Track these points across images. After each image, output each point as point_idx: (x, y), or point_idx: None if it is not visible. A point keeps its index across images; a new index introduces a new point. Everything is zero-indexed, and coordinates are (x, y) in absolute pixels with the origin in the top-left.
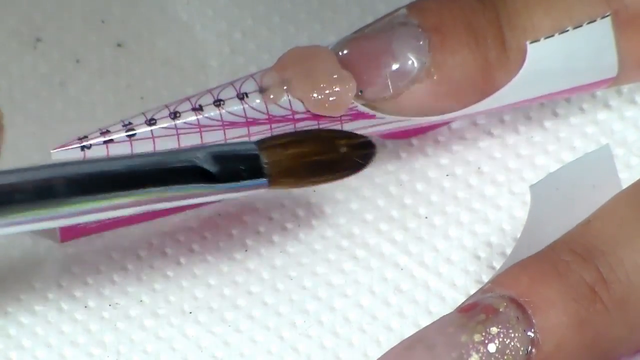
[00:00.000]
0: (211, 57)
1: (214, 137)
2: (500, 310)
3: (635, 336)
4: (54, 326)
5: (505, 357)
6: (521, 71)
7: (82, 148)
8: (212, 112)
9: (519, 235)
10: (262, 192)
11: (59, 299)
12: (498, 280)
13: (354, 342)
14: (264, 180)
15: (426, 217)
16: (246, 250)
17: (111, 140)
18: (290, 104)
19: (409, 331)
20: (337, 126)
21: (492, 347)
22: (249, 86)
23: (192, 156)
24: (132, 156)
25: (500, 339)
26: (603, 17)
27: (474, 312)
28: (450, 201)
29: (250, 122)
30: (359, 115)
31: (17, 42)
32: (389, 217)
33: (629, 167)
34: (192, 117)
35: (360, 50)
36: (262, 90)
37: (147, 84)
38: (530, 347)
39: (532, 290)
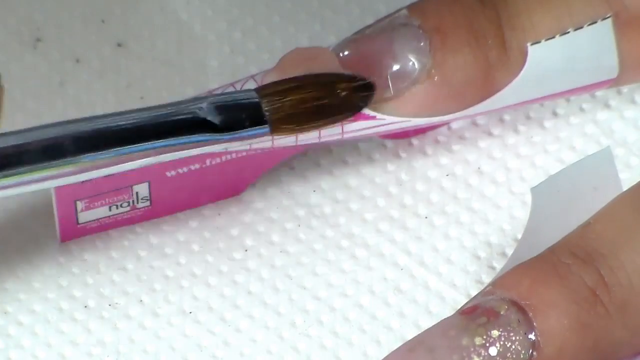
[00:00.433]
0: (211, 57)
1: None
2: (502, 313)
3: (636, 339)
4: (54, 326)
5: None
6: (522, 72)
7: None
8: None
9: (519, 236)
10: (262, 192)
11: (58, 299)
12: (499, 282)
13: (354, 342)
14: (265, 127)
15: (426, 217)
16: (246, 250)
17: None
18: None
19: (409, 331)
20: (337, 127)
21: (493, 350)
22: (250, 87)
23: (194, 107)
24: (135, 110)
25: (502, 342)
26: (604, 19)
27: (475, 315)
28: (450, 201)
29: None
30: (360, 116)
31: (17, 42)
32: (389, 217)
33: (629, 168)
34: None
35: (361, 52)
36: None
37: (147, 84)
38: (531, 350)
39: (533, 293)
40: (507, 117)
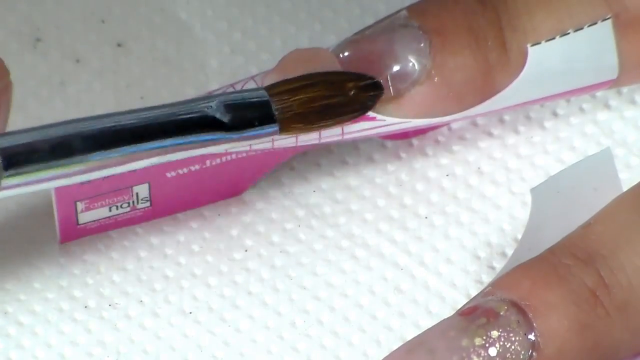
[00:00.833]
0: (211, 57)
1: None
2: (501, 313)
3: (636, 340)
4: (54, 326)
5: None
6: (522, 73)
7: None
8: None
9: (519, 236)
10: (262, 192)
11: (59, 299)
12: (499, 283)
13: (354, 342)
14: (275, 127)
15: (426, 217)
16: (246, 251)
17: None
18: None
19: (409, 331)
20: (337, 128)
21: (492, 351)
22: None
23: (203, 106)
24: (144, 109)
25: (501, 343)
26: (604, 20)
27: (475, 316)
28: (450, 201)
29: None
30: (360, 117)
31: (17, 42)
32: (389, 217)
33: (629, 168)
34: None
35: (361, 52)
36: None
37: (147, 84)
38: (531, 351)
39: (533, 294)
40: (507, 117)
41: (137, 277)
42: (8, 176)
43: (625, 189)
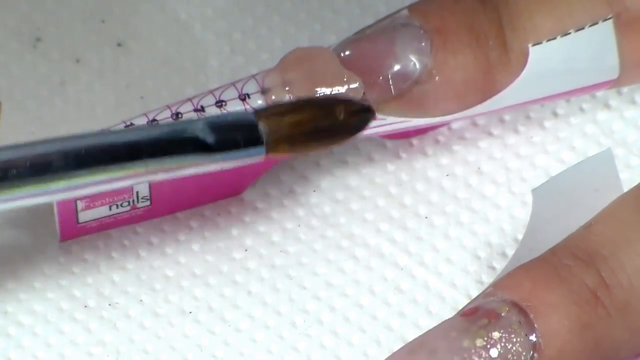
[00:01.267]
0: (211, 57)
1: None
2: (503, 314)
3: (637, 339)
4: (54, 326)
5: None
6: (523, 73)
7: None
8: (213, 113)
9: (519, 236)
10: (262, 191)
11: (58, 299)
12: (500, 284)
13: (354, 342)
14: (261, 149)
15: (426, 217)
16: (246, 250)
17: None
18: None
19: (409, 331)
20: None
21: (494, 352)
22: (251, 87)
23: (188, 127)
24: (128, 130)
25: (503, 344)
26: (605, 20)
27: (476, 317)
28: (450, 201)
29: None
30: None
31: (17, 42)
32: (389, 217)
33: (629, 168)
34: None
35: (362, 52)
36: (264, 92)
37: (147, 84)
38: (532, 352)
39: (534, 295)
40: (507, 117)
41: (137, 277)
42: None
43: (625, 189)
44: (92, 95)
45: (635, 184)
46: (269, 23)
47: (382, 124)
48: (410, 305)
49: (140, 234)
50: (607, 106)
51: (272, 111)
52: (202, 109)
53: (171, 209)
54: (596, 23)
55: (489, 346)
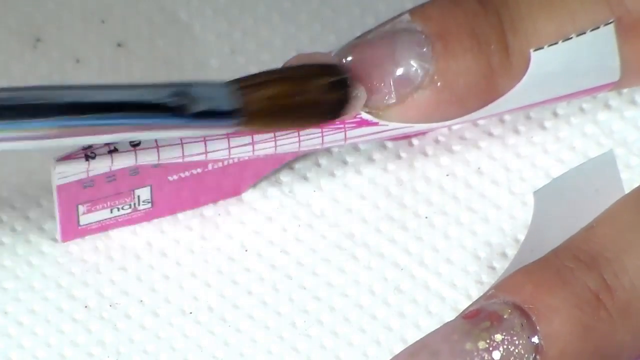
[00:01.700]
0: (211, 57)
1: (218, 146)
2: (505, 317)
3: (639, 342)
4: (54, 326)
5: None
6: (524, 77)
7: (87, 158)
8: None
9: (519, 236)
10: (262, 192)
11: (59, 299)
12: (502, 286)
13: (354, 342)
14: (235, 118)
15: (426, 217)
16: (246, 251)
17: (115, 150)
18: None
19: (409, 331)
20: (340, 134)
21: (496, 355)
22: None
23: (166, 90)
24: (106, 86)
25: (505, 346)
26: (606, 24)
27: (479, 319)
28: (450, 201)
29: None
30: (362, 123)
31: (17, 42)
32: (389, 217)
33: (629, 167)
34: None
35: (364, 58)
36: None
37: None
38: (534, 354)
39: (537, 297)
40: (507, 117)
41: (137, 277)
42: None
43: (626, 189)
44: None
45: (636, 184)
46: (269, 23)
47: (384, 129)
48: (410, 305)
49: (140, 234)
50: (607, 106)
51: (249, 82)
52: None
53: (172, 210)
54: (598, 27)
55: (491, 349)
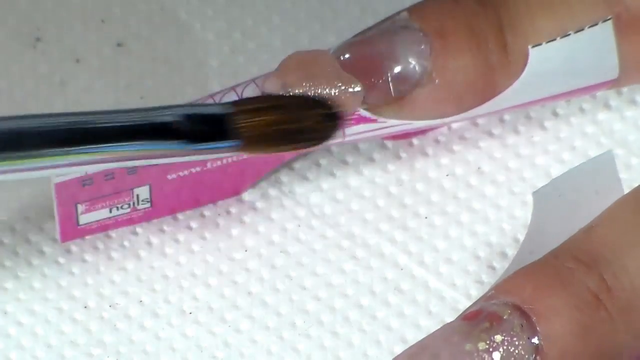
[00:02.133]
0: (211, 57)
1: None
2: (505, 317)
3: (639, 342)
4: (54, 326)
5: None
6: (523, 74)
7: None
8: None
9: (519, 235)
10: (262, 192)
11: (58, 299)
12: (501, 287)
13: (354, 342)
14: (234, 142)
15: (426, 217)
16: (246, 251)
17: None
18: None
19: (409, 331)
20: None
21: (496, 356)
22: (251, 92)
23: (163, 114)
24: (103, 112)
25: (505, 347)
26: (605, 21)
27: (478, 320)
28: (450, 201)
29: None
30: (361, 120)
31: (16, 42)
32: (389, 217)
33: (629, 168)
34: None
35: (362, 55)
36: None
37: (146, 84)
38: (534, 355)
39: (537, 298)
40: (507, 117)
41: (137, 277)
42: None
43: (625, 189)
44: (92, 95)
45: (636, 184)
46: (269, 23)
47: (383, 126)
48: (410, 305)
49: (140, 234)
50: (607, 106)
51: (248, 106)
52: None
53: (171, 210)
54: (596, 24)
55: (491, 349)
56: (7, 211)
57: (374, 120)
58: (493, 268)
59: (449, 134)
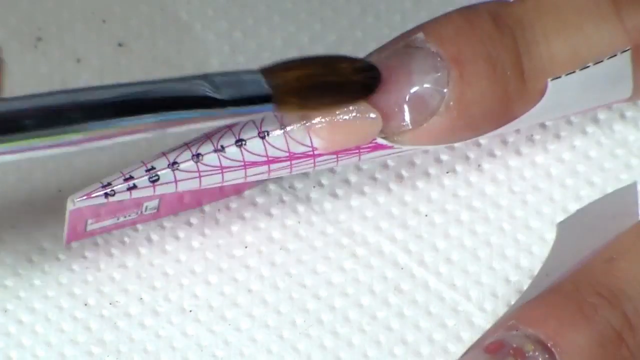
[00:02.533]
0: (211, 57)
1: (234, 176)
2: (530, 352)
3: None
4: (54, 324)
5: None
6: (540, 103)
7: (106, 195)
8: (233, 150)
9: (519, 235)
10: (262, 188)
11: (58, 297)
12: (523, 317)
13: (354, 342)
14: (269, 104)
15: (426, 215)
16: (246, 247)
17: (135, 187)
18: (311, 141)
19: (409, 331)
20: (355, 158)
21: None
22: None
23: (197, 82)
24: (139, 83)
25: None
26: (623, 52)
27: (502, 354)
28: (450, 199)
29: (270, 160)
30: (378, 147)
31: (17, 42)
32: (389, 214)
33: (629, 168)
34: (214, 159)
35: (380, 83)
36: (282, 128)
37: None
38: None
39: (560, 334)
40: None
41: (137, 275)
42: None
43: None
44: None
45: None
46: (269, 23)
47: (398, 151)
48: (410, 305)
49: (140, 231)
50: (607, 106)
51: (278, 67)
52: (222, 148)
53: (175, 211)
54: (615, 55)
55: None
56: (7, 208)
57: (390, 147)
58: (493, 268)
59: None
